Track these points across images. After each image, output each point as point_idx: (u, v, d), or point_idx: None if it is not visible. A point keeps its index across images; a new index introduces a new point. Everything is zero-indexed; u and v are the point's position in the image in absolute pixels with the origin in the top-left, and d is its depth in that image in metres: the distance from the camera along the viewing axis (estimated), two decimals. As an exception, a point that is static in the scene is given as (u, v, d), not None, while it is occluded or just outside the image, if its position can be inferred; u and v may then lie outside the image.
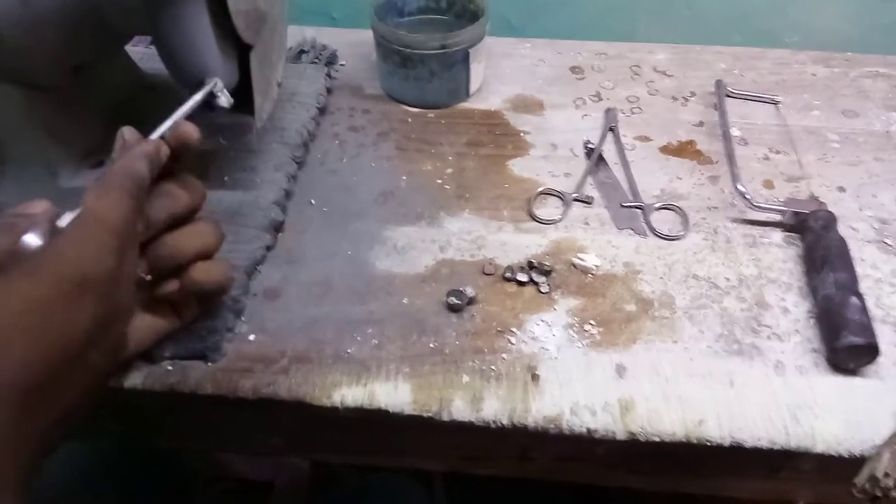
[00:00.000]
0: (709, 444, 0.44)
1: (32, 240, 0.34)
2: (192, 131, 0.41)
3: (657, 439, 0.44)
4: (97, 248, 0.34)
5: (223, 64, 0.47)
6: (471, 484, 0.91)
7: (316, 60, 0.71)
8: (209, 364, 0.47)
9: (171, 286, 0.42)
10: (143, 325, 0.42)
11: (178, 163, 0.41)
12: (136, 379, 0.46)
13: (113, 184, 0.36)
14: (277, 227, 0.56)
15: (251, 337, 0.48)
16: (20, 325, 0.31)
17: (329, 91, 0.69)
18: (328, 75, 0.70)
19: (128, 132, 0.40)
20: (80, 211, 0.35)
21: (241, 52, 0.50)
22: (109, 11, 0.46)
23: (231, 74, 0.49)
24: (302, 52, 0.71)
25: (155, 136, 0.40)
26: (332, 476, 1.03)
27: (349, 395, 0.46)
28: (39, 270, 0.32)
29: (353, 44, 0.76)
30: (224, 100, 0.44)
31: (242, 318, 0.49)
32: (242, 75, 0.51)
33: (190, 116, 0.43)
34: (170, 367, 0.46)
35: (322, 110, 0.67)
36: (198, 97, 0.44)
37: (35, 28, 0.44)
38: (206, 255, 0.43)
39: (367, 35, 0.73)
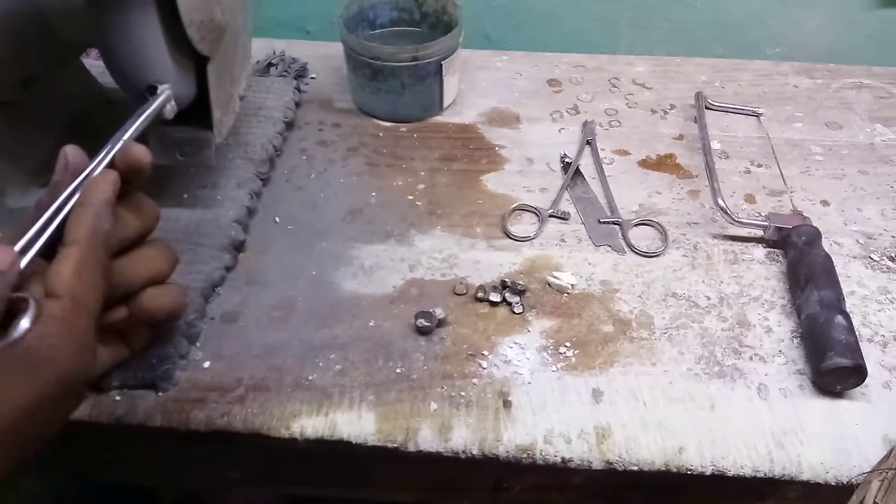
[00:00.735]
0: (689, 472, 0.42)
1: (25, 324, 0.31)
2: (142, 155, 0.37)
3: (636, 468, 0.42)
4: (82, 342, 0.34)
5: (177, 75, 0.45)
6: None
7: (285, 73, 0.69)
8: (159, 394, 0.44)
9: (119, 314, 0.39)
10: (103, 360, 0.40)
11: (128, 185, 0.39)
12: (81, 410, 0.43)
13: (87, 257, 0.34)
14: (238, 247, 0.53)
15: (206, 364, 0.46)
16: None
17: (298, 105, 0.67)
18: (297, 88, 0.68)
19: (71, 152, 0.37)
20: (58, 294, 0.33)
21: (198, 64, 0.47)
22: (59, 22, 0.44)
23: (187, 86, 0.47)
24: (270, 64, 0.69)
25: (105, 158, 0.37)
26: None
27: (309, 425, 0.43)
28: (33, 374, 0.32)
29: (326, 56, 0.74)
30: (169, 109, 0.42)
31: (197, 344, 0.47)
32: (201, 88, 0.48)
33: (142, 132, 0.40)
34: (118, 398, 0.44)
35: (289, 125, 0.64)
36: (151, 109, 0.42)
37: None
38: (158, 281, 0.40)
39: (340, 48, 0.71)
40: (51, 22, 0.44)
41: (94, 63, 0.66)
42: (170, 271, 0.41)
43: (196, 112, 0.49)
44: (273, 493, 0.70)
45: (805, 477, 0.42)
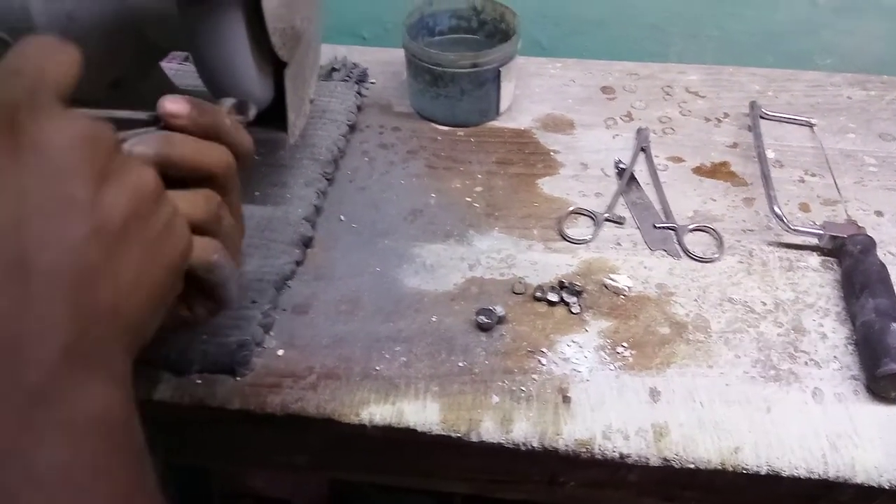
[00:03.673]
0: (745, 471, 0.43)
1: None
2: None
3: (692, 466, 0.43)
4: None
5: (259, 80, 0.47)
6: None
7: (347, 78, 0.71)
8: (237, 378, 0.46)
9: None
10: None
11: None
12: (164, 392, 0.46)
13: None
14: (307, 243, 0.56)
15: (280, 352, 0.48)
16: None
17: (359, 108, 0.69)
18: (358, 93, 0.70)
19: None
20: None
21: (276, 68, 0.50)
22: (150, 26, 0.47)
23: (266, 90, 0.49)
24: (333, 69, 0.72)
25: None
26: (351, 494, 1.02)
27: (377, 412, 0.45)
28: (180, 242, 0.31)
29: (383, 62, 0.76)
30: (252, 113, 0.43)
31: (271, 333, 0.49)
32: (277, 91, 0.51)
33: None
34: (198, 381, 0.46)
35: (352, 127, 0.67)
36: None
37: (78, 42, 0.45)
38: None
39: (396, 54, 0.73)
40: (142, 26, 0.47)
41: (168, 66, 0.69)
42: (206, 220, 0.35)
43: (271, 114, 0.52)
44: (335, 478, 0.72)
45: (859, 480, 0.43)
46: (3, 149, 0.25)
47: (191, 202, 0.33)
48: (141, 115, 0.35)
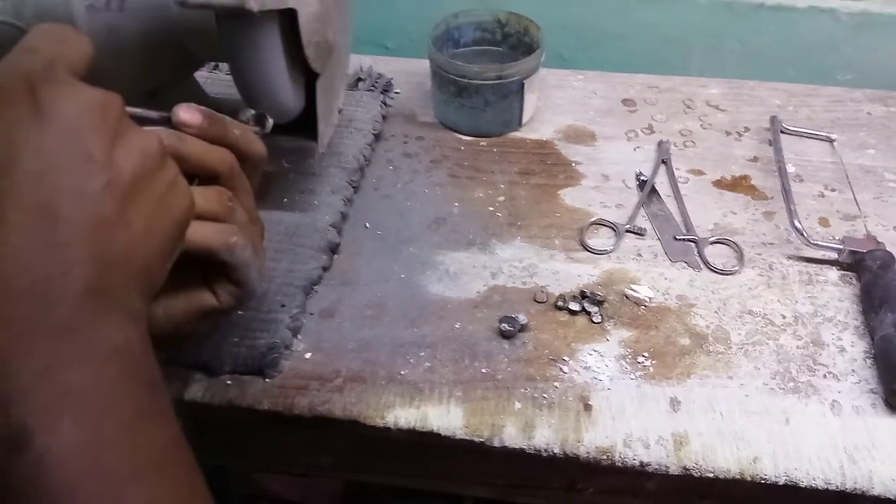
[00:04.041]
0: (763, 481, 0.44)
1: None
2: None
3: (712, 475, 0.44)
4: None
5: (292, 90, 0.49)
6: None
7: (372, 88, 0.73)
8: (266, 380, 0.48)
9: None
10: (178, 303, 0.39)
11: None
12: (196, 392, 0.47)
13: None
14: (333, 249, 0.57)
15: (307, 355, 0.49)
16: None
17: (384, 118, 0.71)
18: (383, 103, 0.71)
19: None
20: None
21: (307, 78, 0.52)
22: (189, 38, 0.48)
23: (298, 100, 0.51)
24: (359, 79, 0.73)
25: None
26: (365, 497, 1.03)
27: (402, 416, 0.46)
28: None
29: (407, 72, 0.77)
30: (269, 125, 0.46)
31: (299, 337, 0.51)
32: (307, 101, 0.52)
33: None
34: (229, 382, 0.48)
35: (377, 136, 0.68)
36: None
37: (118, 52, 0.46)
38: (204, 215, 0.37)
39: (420, 64, 0.74)
40: (181, 38, 0.49)
41: (198, 73, 0.71)
42: (219, 212, 0.38)
43: (302, 123, 0.53)
44: (357, 480, 0.73)
45: (876, 492, 0.43)
46: (24, 113, 0.28)
47: (204, 195, 0.37)
48: (152, 114, 0.37)
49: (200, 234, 0.36)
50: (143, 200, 0.31)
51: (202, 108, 0.38)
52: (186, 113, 0.37)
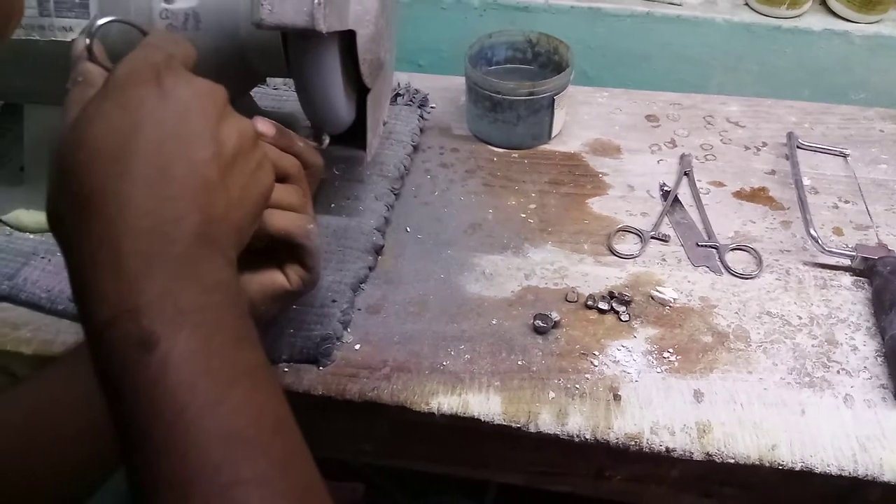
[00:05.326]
0: (781, 467, 0.47)
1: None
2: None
3: (733, 461, 0.47)
4: None
5: (346, 104, 0.54)
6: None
7: (410, 103, 0.78)
8: (320, 368, 0.52)
9: None
10: (253, 285, 0.44)
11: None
12: (255, 378, 0.51)
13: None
14: (378, 251, 0.61)
15: (357, 347, 0.54)
16: None
17: (422, 131, 0.75)
18: (421, 116, 0.76)
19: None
20: None
21: (359, 93, 0.56)
22: (255, 56, 0.53)
23: (351, 113, 0.55)
24: (398, 94, 0.78)
25: None
26: (387, 498, 1.06)
27: (445, 402, 0.50)
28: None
29: (441, 88, 0.82)
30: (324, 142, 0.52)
31: (349, 330, 0.55)
32: (357, 113, 0.57)
33: None
34: (286, 369, 0.52)
35: (415, 148, 0.73)
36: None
37: (193, 68, 0.51)
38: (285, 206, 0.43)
39: (452, 80, 0.79)
40: (247, 55, 0.54)
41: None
42: (298, 204, 0.44)
43: (351, 134, 0.58)
44: (397, 466, 0.75)
45: (886, 478, 0.46)
46: (151, 93, 0.34)
47: (285, 189, 0.43)
48: None
49: (283, 221, 0.43)
50: (239, 172, 0.36)
51: (274, 122, 0.43)
52: (263, 125, 0.42)
